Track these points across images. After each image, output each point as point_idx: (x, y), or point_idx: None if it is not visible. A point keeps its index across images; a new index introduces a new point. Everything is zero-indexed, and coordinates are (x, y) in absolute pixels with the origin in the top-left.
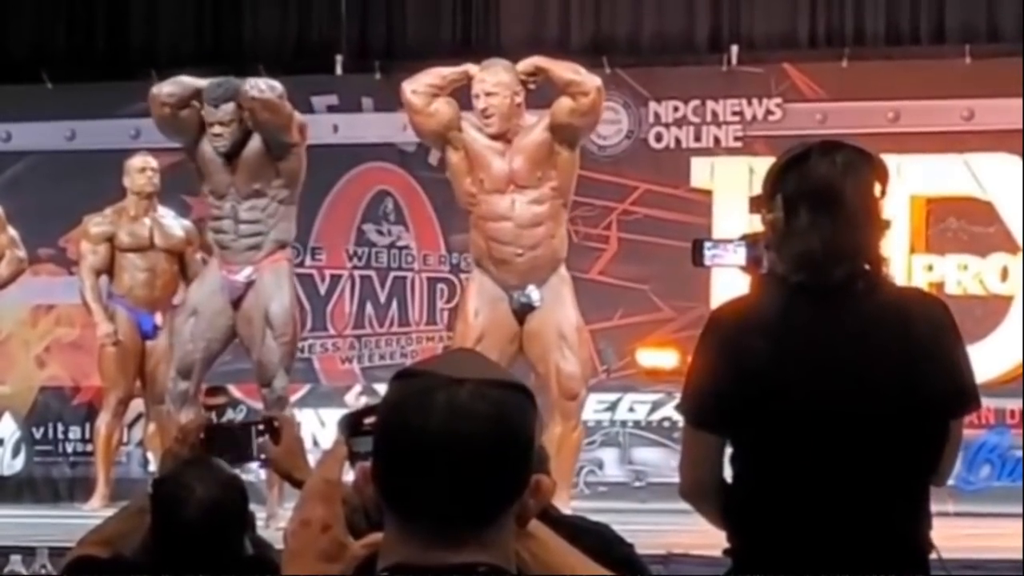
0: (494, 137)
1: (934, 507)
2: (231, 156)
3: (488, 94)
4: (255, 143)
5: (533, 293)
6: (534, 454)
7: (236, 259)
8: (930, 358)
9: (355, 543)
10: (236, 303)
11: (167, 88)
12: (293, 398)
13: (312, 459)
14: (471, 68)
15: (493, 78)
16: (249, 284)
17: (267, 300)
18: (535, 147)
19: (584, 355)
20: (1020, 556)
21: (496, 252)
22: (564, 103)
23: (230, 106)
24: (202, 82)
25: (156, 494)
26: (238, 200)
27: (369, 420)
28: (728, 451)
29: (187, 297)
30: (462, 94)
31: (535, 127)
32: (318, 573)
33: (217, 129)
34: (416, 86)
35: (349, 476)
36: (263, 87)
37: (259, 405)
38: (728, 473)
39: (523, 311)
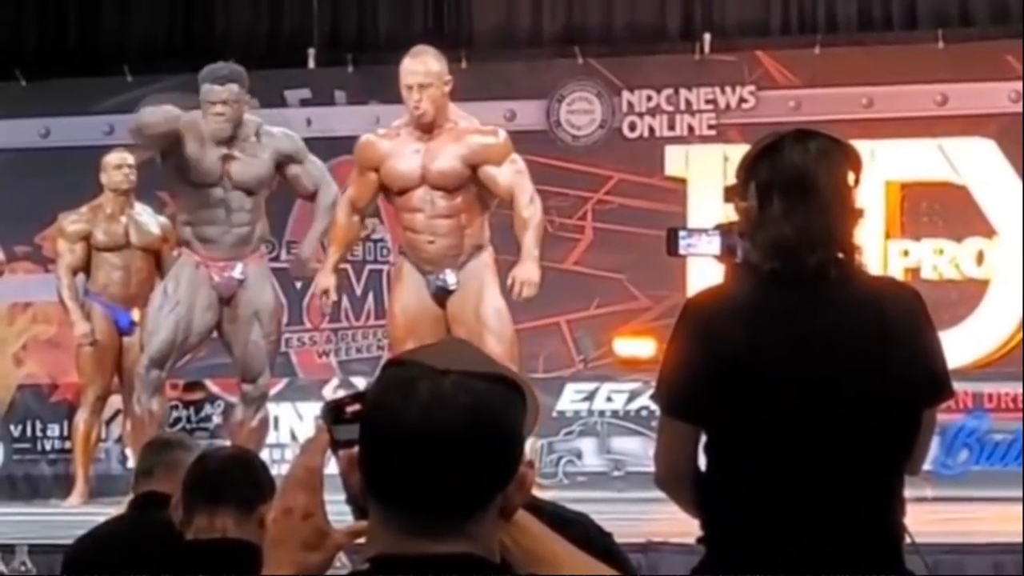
0: (421, 128)
1: (912, 492)
2: (225, 143)
3: (422, 86)
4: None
5: (449, 276)
6: (520, 447)
7: (223, 254)
8: (903, 347)
9: (337, 531)
10: (227, 300)
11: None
12: (270, 393)
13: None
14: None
15: (423, 67)
16: (240, 281)
17: (256, 299)
18: (450, 170)
19: (507, 338)
20: (998, 540)
21: (410, 239)
22: (501, 180)
23: (235, 86)
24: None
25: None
26: (229, 189)
27: (352, 408)
28: (703, 439)
29: (167, 290)
30: (395, 84)
31: (453, 152)
32: (299, 561)
33: (219, 108)
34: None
35: (332, 465)
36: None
37: (236, 399)
38: (702, 461)
39: (440, 294)
